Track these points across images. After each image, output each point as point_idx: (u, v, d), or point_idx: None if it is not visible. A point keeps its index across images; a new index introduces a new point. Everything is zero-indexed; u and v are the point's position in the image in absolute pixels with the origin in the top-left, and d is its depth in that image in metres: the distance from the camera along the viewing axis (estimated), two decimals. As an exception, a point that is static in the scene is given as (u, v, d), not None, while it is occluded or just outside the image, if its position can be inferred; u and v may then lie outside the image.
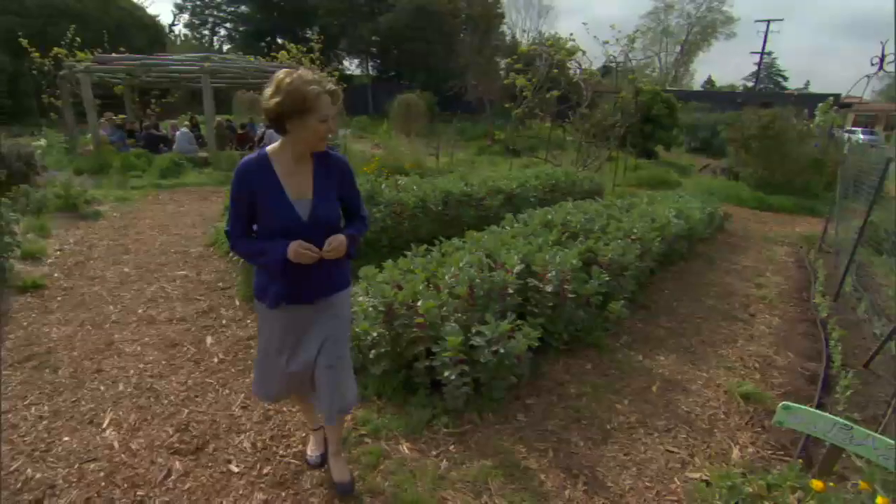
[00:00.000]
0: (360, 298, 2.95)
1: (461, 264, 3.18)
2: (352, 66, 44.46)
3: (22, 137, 12.89)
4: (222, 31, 42.98)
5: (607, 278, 3.54)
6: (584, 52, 9.72)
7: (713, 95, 42.00)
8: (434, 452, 2.42)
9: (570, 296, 3.28)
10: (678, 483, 2.34)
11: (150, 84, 15.52)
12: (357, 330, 2.79)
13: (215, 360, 3.21)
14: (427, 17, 33.83)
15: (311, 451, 2.31)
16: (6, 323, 3.59)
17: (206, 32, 42.73)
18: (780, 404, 2.30)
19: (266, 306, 1.86)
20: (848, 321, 4.35)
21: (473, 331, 2.70)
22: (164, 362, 3.16)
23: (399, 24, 34.27)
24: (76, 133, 12.80)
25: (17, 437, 2.42)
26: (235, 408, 2.72)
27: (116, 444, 2.41)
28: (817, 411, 2.24)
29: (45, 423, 2.55)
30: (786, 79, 56.36)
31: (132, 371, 3.05)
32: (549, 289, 3.23)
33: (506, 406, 2.80)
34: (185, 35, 43.06)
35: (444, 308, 2.83)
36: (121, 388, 2.88)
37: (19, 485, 2.13)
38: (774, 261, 6.36)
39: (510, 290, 3.08)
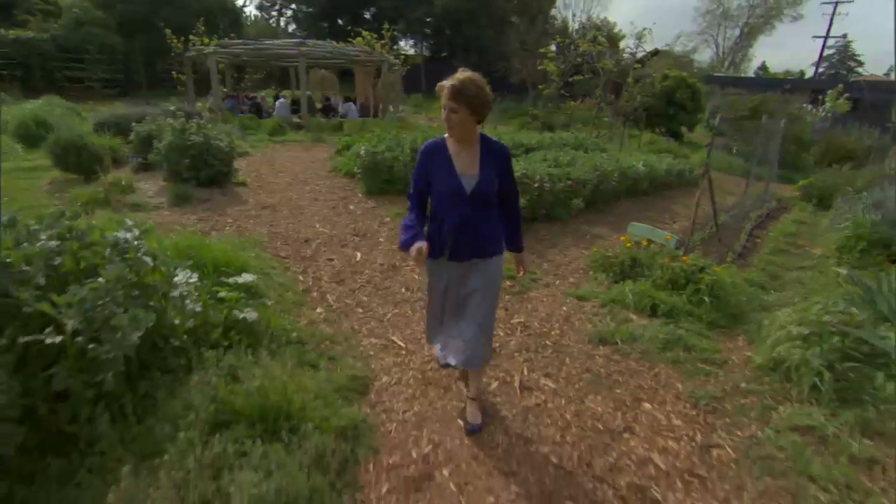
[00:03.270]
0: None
1: (488, 168, 5.97)
2: (407, 45, 47.05)
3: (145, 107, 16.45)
4: (288, 13, 46.49)
5: (570, 182, 6.25)
6: (602, 46, 12.10)
7: (760, 82, 42.03)
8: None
9: (546, 188, 6.00)
10: (586, 253, 5.08)
11: (245, 62, 18.87)
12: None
13: (358, 212, 6.17)
14: (480, 0, 36.02)
15: (471, 418, 2.51)
16: (240, 195, 6.66)
17: (275, 14, 46.40)
18: (629, 224, 5.02)
19: (431, 259, 2.29)
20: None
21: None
22: (332, 212, 6.14)
23: (453, 6, 36.58)
24: (194, 101, 16.21)
25: (283, 225, 5.43)
26: (376, 226, 5.66)
27: (326, 231, 5.38)
28: (643, 224, 4.93)
29: (291, 225, 5.54)
30: (861, 64, 53.86)
31: (317, 214, 6.03)
32: (535, 185, 5.97)
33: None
34: (256, 16, 46.99)
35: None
36: (317, 218, 5.86)
37: (297, 236, 5.13)
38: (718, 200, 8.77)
39: (513, 181, 5.84)
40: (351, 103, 16.25)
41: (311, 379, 2.55)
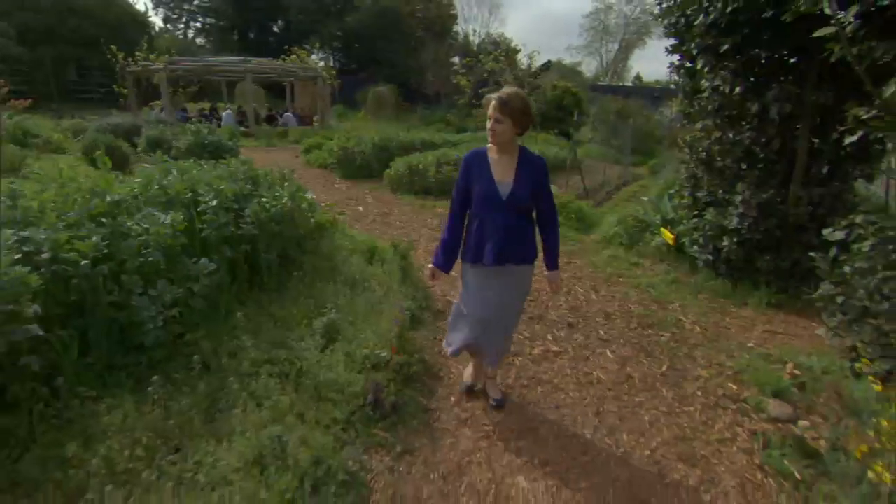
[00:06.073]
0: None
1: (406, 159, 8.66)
2: (317, 59, 48.35)
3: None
4: (197, 25, 46.06)
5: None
6: (501, 66, 15.33)
7: (635, 90, 48.77)
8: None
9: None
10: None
11: (181, 76, 20.05)
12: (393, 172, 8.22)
13: (343, 188, 8.58)
14: (389, 17, 38.57)
15: (467, 377, 2.90)
16: (248, 181, 8.78)
17: (182, 26, 45.78)
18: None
19: (467, 262, 2.52)
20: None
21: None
22: (325, 188, 8.48)
23: (363, 23, 38.78)
24: (137, 112, 17.31)
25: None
26: (361, 194, 8.11)
27: (329, 198, 7.74)
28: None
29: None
30: (715, 74, 63.02)
31: (315, 190, 8.29)
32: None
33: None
34: (160, 27, 45.89)
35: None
36: (317, 191, 8.08)
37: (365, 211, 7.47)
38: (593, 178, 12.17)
39: (429, 171, 8.56)
40: (290, 114, 18.22)
41: (379, 242, 5.07)
